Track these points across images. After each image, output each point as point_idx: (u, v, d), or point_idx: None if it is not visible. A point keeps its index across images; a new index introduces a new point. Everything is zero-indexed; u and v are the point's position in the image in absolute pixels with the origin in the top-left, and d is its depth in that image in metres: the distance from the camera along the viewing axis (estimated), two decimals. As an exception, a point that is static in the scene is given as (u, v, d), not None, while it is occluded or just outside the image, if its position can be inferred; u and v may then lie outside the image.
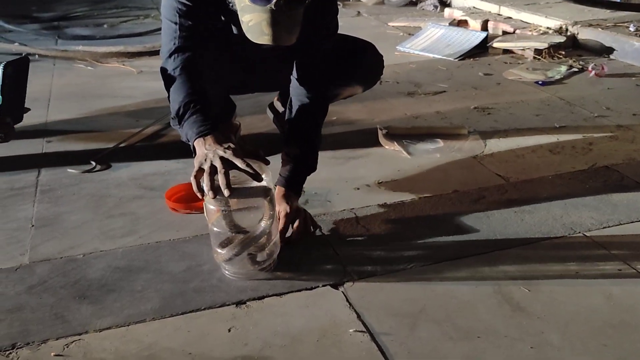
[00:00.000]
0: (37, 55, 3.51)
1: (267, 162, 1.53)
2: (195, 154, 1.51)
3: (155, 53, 3.50)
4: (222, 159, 1.43)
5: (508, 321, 1.36)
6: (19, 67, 1.70)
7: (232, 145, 1.47)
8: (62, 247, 1.66)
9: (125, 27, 4.36)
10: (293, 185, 1.71)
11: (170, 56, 1.64)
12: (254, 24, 1.45)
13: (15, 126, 2.20)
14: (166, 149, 2.31)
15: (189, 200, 1.84)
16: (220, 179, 1.41)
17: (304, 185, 1.74)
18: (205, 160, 1.45)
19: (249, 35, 1.49)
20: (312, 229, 1.70)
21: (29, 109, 1.82)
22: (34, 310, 1.41)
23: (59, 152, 2.29)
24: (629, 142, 2.30)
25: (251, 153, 1.53)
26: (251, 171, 1.43)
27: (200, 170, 1.44)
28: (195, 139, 1.52)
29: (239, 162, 1.44)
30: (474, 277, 1.52)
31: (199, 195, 1.44)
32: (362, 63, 2.14)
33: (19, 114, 1.78)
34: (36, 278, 1.53)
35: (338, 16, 1.84)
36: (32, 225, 1.78)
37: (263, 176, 1.47)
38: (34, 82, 2.96)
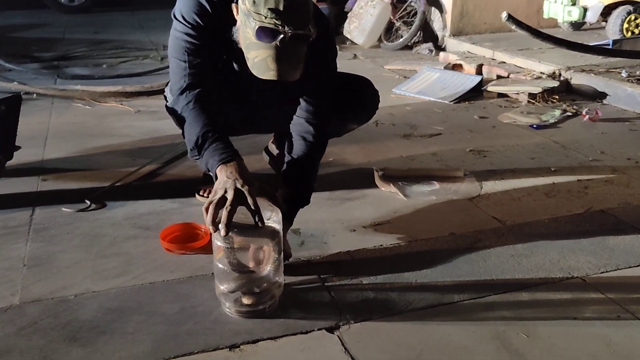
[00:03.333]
0: (35, 94, 3.54)
1: (282, 208, 1.53)
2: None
3: (153, 93, 3.53)
4: (236, 190, 1.43)
5: (507, 367, 1.34)
6: (11, 105, 1.72)
7: (252, 181, 1.47)
8: (54, 288, 1.64)
9: (124, 68, 4.41)
10: (288, 216, 1.70)
11: (182, 93, 1.67)
12: (260, 60, 1.49)
13: (10, 164, 2.19)
14: (162, 188, 2.30)
15: (183, 241, 1.84)
16: (223, 215, 1.40)
17: (300, 227, 1.73)
18: (220, 189, 1.45)
19: (254, 71, 1.52)
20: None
21: (19, 147, 1.83)
22: (23, 353, 1.37)
23: (54, 191, 2.28)
24: (624, 186, 2.31)
25: (267, 193, 1.53)
26: (256, 214, 1.43)
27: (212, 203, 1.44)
28: (218, 166, 1.52)
29: (250, 201, 1.44)
30: (472, 321, 1.50)
31: (211, 229, 1.43)
32: (359, 96, 2.13)
33: (9, 151, 1.79)
34: (26, 319, 1.50)
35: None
36: (24, 265, 1.76)
37: (273, 217, 1.46)
38: (31, 120, 3.00)
